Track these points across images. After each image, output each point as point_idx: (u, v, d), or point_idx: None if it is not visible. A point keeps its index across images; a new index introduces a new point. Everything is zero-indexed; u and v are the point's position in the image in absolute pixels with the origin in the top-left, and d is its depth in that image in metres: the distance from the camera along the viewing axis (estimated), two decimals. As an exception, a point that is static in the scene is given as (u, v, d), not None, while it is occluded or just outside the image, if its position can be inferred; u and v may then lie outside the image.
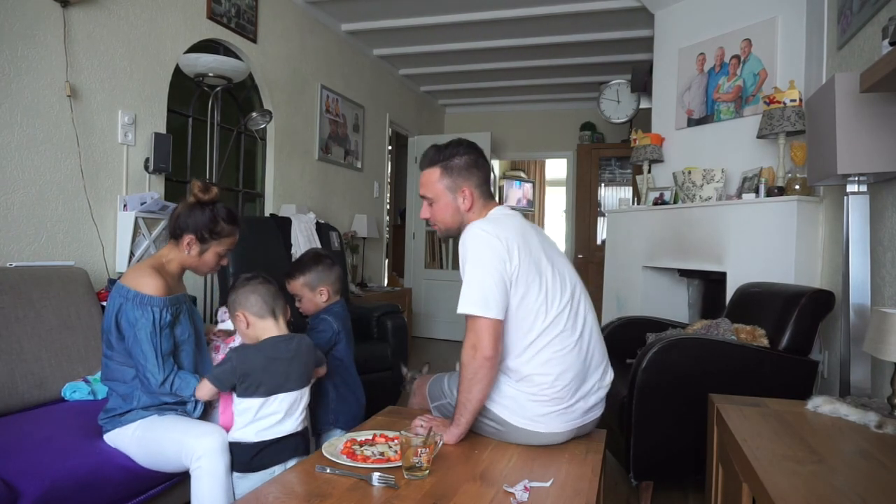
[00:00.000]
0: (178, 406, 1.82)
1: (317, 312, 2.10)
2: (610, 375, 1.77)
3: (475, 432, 1.70)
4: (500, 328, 1.55)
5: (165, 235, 2.98)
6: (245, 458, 1.66)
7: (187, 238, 1.84)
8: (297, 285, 2.09)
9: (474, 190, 1.73)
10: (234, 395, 1.69)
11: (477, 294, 1.53)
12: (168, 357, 1.75)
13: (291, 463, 1.65)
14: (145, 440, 1.73)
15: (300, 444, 1.72)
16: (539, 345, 1.60)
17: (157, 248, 2.98)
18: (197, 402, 1.79)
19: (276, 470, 1.64)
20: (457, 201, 1.72)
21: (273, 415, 1.67)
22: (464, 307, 1.54)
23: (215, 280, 3.36)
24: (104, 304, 2.51)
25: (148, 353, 1.70)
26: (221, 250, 1.91)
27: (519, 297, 1.58)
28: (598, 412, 1.75)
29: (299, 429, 1.72)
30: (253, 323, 1.75)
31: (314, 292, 2.06)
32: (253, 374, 1.65)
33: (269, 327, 1.74)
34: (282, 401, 1.68)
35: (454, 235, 1.76)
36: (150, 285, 1.73)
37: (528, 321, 1.60)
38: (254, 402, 1.66)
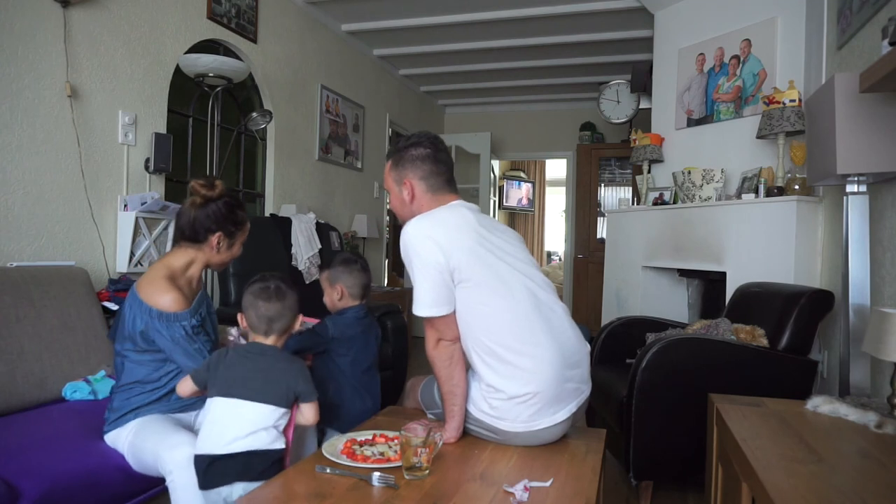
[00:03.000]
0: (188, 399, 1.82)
1: (332, 313, 2.12)
2: (585, 348, 1.72)
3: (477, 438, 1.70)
4: (454, 317, 1.62)
5: (166, 239, 2.98)
6: (197, 473, 1.55)
7: (216, 237, 1.83)
8: (322, 277, 2.16)
9: (417, 182, 1.69)
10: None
11: (427, 297, 1.59)
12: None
13: (237, 486, 1.50)
14: (133, 446, 1.72)
15: (245, 471, 1.50)
16: (505, 339, 1.58)
17: (158, 249, 2.98)
18: None
19: (223, 491, 1.50)
20: (402, 194, 1.71)
21: (216, 424, 1.54)
22: (420, 311, 1.60)
23: (215, 281, 3.36)
24: (105, 304, 2.51)
25: (195, 365, 1.70)
26: (244, 238, 1.94)
27: (468, 291, 1.58)
28: (586, 384, 1.71)
29: (243, 449, 1.51)
30: (247, 329, 1.70)
31: (332, 288, 2.11)
32: (218, 368, 1.58)
33: (258, 341, 1.68)
34: (236, 409, 1.54)
35: None
36: (170, 302, 1.72)
37: (490, 327, 1.58)
38: (212, 404, 1.58)
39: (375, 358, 2.15)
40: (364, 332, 2.10)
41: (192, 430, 1.79)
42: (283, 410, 1.58)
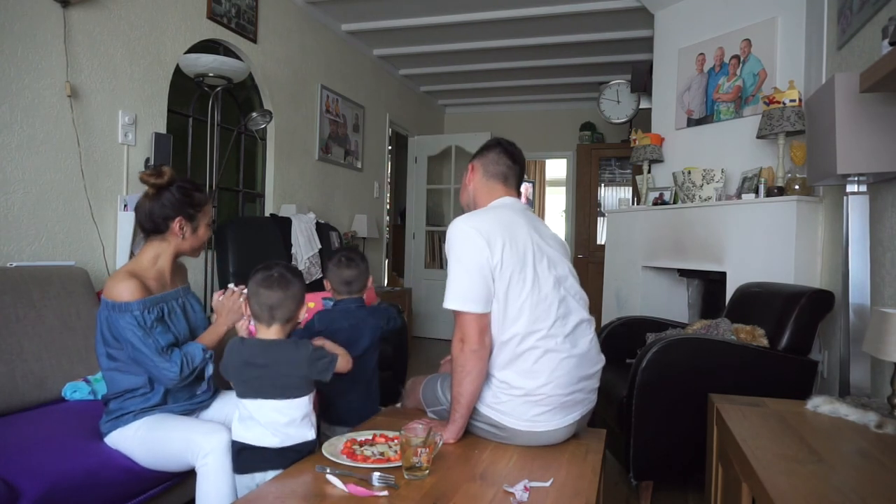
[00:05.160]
0: (186, 402, 1.83)
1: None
2: (601, 361, 1.76)
3: (477, 436, 1.70)
4: (484, 321, 1.59)
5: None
6: (232, 454, 1.63)
7: (176, 223, 1.81)
8: None
9: (478, 167, 1.83)
10: None
11: (459, 290, 1.58)
12: (170, 348, 1.73)
13: (271, 474, 1.53)
14: (148, 439, 1.72)
15: (278, 462, 1.55)
16: (529, 343, 1.60)
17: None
18: (210, 360, 1.78)
19: (258, 477, 1.56)
20: (465, 177, 1.86)
21: (248, 420, 1.58)
22: (448, 303, 1.60)
23: (215, 280, 3.36)
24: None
25: (151, 355, 1.69)
26: (207, 220, 1.90)
27: (503, 291, 1.59)
28: (593, 397, 1.75)
29: (276, 445, 1.55)
30: (251, 317, 1.69)
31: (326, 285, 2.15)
32: (231, 373, 1.60)
33: (261, 330, 1.66)
34: (258, 408, 1.56)
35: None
36: (124, 291, 1.70)
37: (514, 324, 1.59)
38: (242, 401, 1.60)
39: (368, 351, 2.11)
40: (354, 325, 2.07)
41: None
42: (305, 399, 1.60)
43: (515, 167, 1.83)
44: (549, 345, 1.60)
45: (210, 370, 1.83)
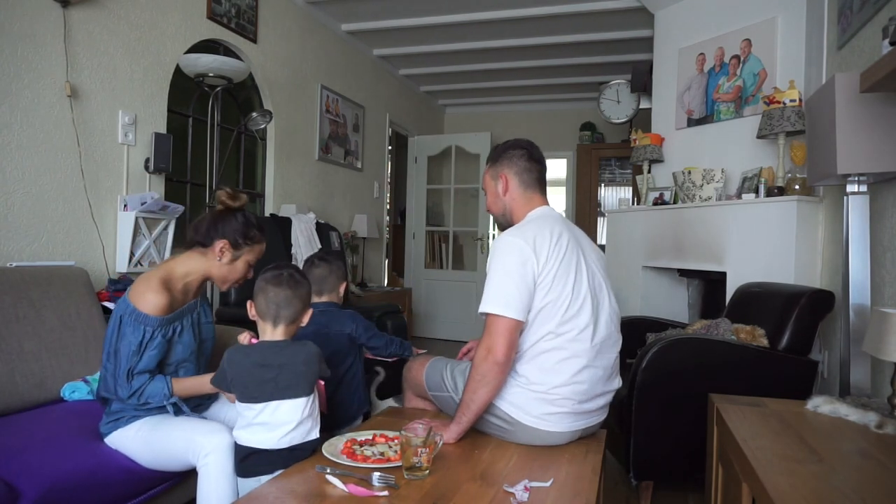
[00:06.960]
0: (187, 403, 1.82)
1: None
2: (618, 382, 1.79)
3: (479, 430, 1.71)
4: (515, 334, 1.58)
5: (166, 239, 2.97)
6: (235, 459, 1.62)
7: (220, 244, 1.79)
8: None
9: (512, 177, 1.80)
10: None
11: (499, 294, 1.58)
12: (141, 374, 1.70)
13: (276, 473, 1.52)
14: (150, 440, 1.72)
15: (286, 462, 1.54)
16: (557, 342, 1.61)
17: (158, 249, 2.98)
18: (175, 403, 1.75)
19: (263, 479, 1.53)
20: (497, 187, 1.82)
21: (253, 425, 1.57)
22: (485, 306, 1.59)
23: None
24: (105, 304, 2.51)
25: (121, 368, 1.68)
26: (252, 259, 1.88)
27: (543, 293, 1.60)
28: (603, 415, 1.77)
29: (285, 446, 1.55)
30: (255, 317, 1.69)
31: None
32: (237, 379, 1.59)
33: (266, 331, 1.66)
34: (273, 410, 1.55)
35: (501, 224, 1.86)
36: (151, 303, 1.69)
37: (546, 321, 1.61)
38: (249, 406, 1.59)
39: (334, 358, 2.08)
40: (319, 329, 2.04)
41: None
42: (313, 396, 1.61)
43: (544, 170, 1.85)
44: (575, 349, 1.62)
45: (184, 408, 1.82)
